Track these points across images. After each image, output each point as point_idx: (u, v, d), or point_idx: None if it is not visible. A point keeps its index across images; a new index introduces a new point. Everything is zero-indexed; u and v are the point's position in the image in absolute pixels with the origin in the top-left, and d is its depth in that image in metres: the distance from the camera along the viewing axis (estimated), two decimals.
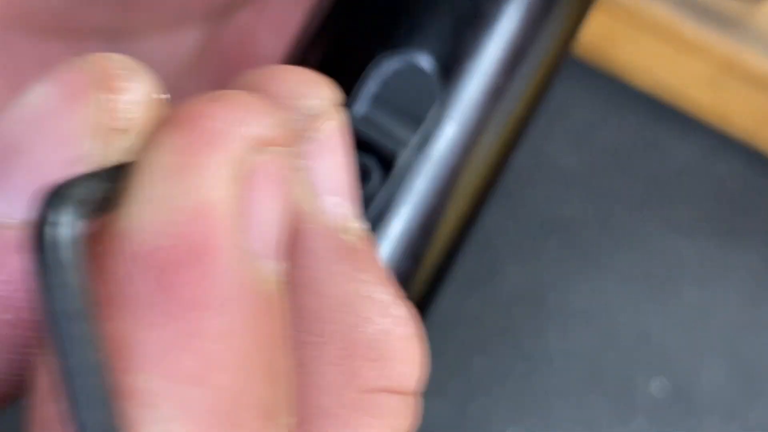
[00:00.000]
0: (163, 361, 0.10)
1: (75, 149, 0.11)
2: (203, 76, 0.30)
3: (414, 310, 0.23)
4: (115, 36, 0.28)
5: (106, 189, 0.11)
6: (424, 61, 0.22)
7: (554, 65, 0.23)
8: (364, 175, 0.22)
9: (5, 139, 0.12)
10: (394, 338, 0.14)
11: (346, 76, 0.22)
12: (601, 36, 0.41)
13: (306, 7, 0.24)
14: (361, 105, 0.22)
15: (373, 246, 0.14)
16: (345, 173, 0.13)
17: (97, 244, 0.11)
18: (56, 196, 0.10)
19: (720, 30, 0.38)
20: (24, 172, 0.11)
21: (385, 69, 0.22)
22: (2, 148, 0.12)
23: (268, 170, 0.11)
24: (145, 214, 0.10)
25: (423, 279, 0.24)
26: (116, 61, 0.12)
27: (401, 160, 0.22)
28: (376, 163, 0.22)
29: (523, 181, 0.42)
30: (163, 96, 0.12)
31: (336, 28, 0.23)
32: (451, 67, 0.22)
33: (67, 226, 0.10)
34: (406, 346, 0.14)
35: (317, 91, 0.13)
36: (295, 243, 0.12)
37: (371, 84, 0.22)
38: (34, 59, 0.28)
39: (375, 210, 0.22)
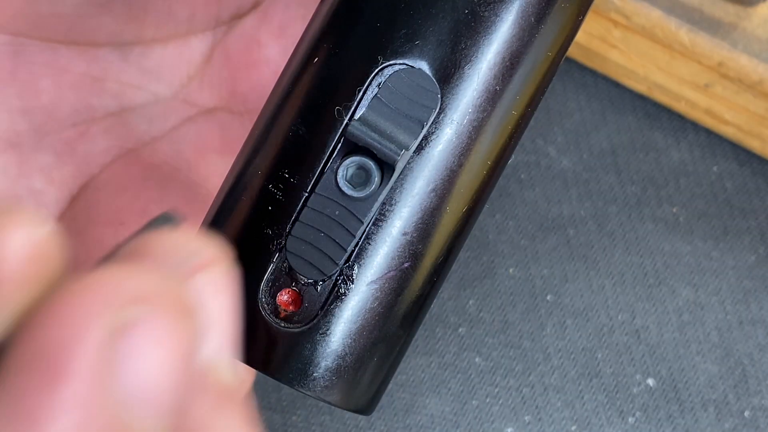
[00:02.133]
0: None
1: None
2: (211, 82, 0.30)
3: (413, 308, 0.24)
4: (126, 44, 0.29)
5: None
6: (425, 66, 0.22)
7: (551, 69, 0.24)
8: (365, 178, 0.22)
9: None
10: None
11: (348, 81, 0.23)
12: (597, 40, 0.41)
13: (307, 14, 0.25)
14: (363, 109, 0.22)
15: (244, 391, 0.14)
16: (228, 319, 0.13)
17: None
18: None
19: (714, 34, 0.38)
20: None
21: (387, 74, 0.22)
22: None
23: (146, 325, 0.11)
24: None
25: (422, 278, 0.24)
26: None
27: (401, 162, 0.22)
28: (377, 165, 0.22)
29: (521, 181, 0.42)
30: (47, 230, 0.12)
31: (337, 34, 0.23)
32: (450, 72, 0.22)
33: None
34: None
35: (198, 246, 0.13)
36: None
37: (373, 88, 0.22)
38: (46, 66, 0.28)
39: (375, 211, 0.22)
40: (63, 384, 0.10)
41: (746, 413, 0.41)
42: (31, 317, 0.11)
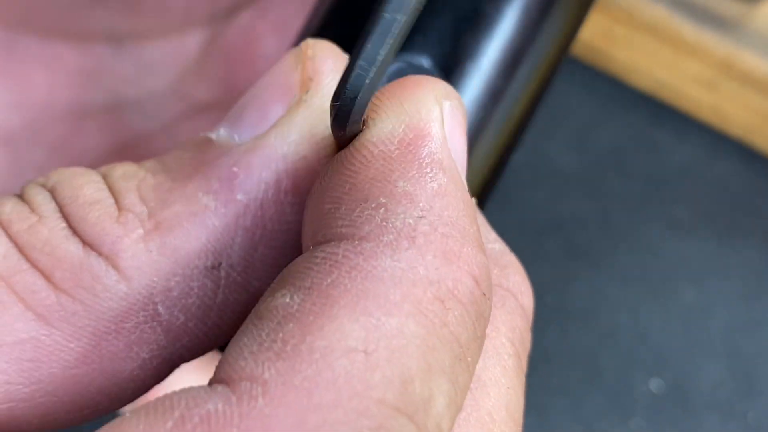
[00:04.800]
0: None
1: (286, 103, 0.17)
2: (207, 76, 0.30)
3: None
4: (121, 38, 0.28)
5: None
6: (425, 62, 0.22)
7: (553, 66, 0.23)
8: None
9: (245, 95, 0.18)
10: (507, 256, 0.19)
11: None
12: (600, 37, 0.41)
13: (307, 8, 0.24)
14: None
15: None
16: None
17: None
18: None
19: (718, 31, 0.38)
20: (253, 112, 0.17)
21: (389, 73, 0.22)
22: (241, 103, 0.18)
23: (453, 113, 0.17)
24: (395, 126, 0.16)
25: None
26: (311, 45, 0.18)
27: None
28: None
29: (523, 181, 0.42)
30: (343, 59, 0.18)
31: (337, 29, 0.23)
32: (450, 68, 0.22)
33: None
34: (516, 264, 0.19)
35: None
36: None
37: None
38: (39, 60, 0.28)
39: None
40: (429, 139, 0.16)
41: (751, 414, 0.41)
42: (388, 99, 0.16)
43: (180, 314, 0.17)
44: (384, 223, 0.15)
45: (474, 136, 0.23)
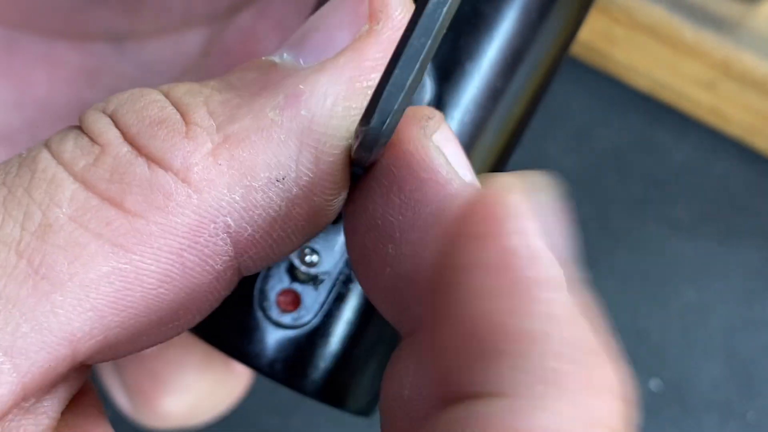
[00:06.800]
0: None
1: (353, 32, 0.17)
2: (207, 76, 0.30)
3: None
4: (121, 38, 0.28)
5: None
6: None
7: (552, 66, 0.23)
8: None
9: (308, 22, 0.18)
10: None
11: None
12: (600, 37, 0.41)
13: (307, 8, 0.24)
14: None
15: None
16: None
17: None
18: None
19: (718, 32, 0.38)
20: (319, 36, 0.18)
21: None
22: (304, 29, 0.18)
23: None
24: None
25: None
26: None
27: None
28: None
29: None
30: None
31: None
32: (450, 69, 0.22)
33: None
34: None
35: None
36: None
37: None
38: (41, 59, 0.28)
39: None
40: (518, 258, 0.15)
41: (749, 415, 0.41)
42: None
43: (247, 226, 0.17)
44: (523, 375, 0.14)
45: (474, 136, 0.22)
